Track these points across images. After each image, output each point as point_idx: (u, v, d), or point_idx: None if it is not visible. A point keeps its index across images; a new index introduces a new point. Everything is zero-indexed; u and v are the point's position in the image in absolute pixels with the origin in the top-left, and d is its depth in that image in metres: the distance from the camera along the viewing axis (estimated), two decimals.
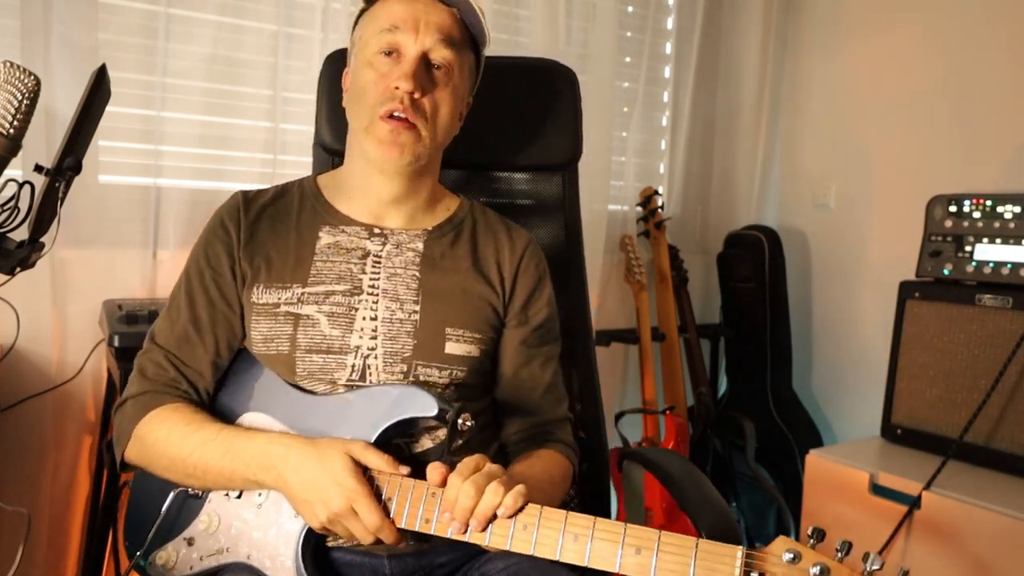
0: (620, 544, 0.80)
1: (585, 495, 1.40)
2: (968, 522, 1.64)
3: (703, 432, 2.44)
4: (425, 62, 1.02)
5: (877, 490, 1.80)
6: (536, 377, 1.13)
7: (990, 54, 2.16)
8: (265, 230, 1.07)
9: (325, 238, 1.07)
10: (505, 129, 1.39)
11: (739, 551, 0.76)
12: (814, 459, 1.95)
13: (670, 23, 2.56)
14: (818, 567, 0.74)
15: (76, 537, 1.75)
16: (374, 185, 1.07)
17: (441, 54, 1.03)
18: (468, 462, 0.88)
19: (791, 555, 0.75)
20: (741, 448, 2.37)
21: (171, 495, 1.00)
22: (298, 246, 1.07)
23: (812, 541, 0.76)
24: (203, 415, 1.01)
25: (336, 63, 1.30)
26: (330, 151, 1.33)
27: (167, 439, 0.98)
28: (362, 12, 1.09)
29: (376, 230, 1.08)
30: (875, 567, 0.73)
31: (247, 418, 1.03)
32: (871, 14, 2.46)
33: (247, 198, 1.10)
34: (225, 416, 1.04)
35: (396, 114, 1.01)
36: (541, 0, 2.15)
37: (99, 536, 1.62)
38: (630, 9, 2.45)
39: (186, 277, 1.08)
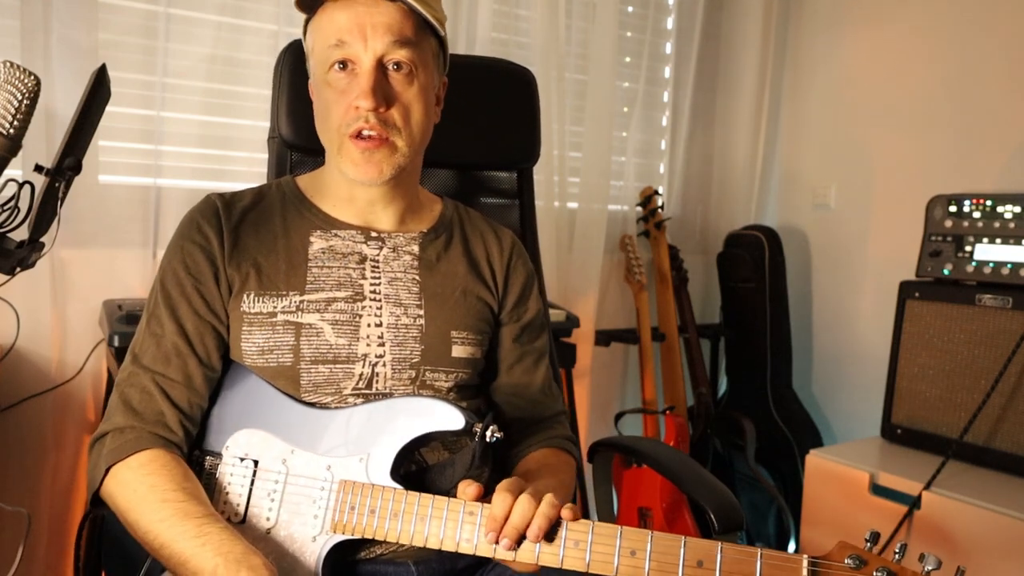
0: (680, 557, 0.78)
1: None
2: (968, 522, 1.64)
3: (703, 432, 2.44)
4: (382, 67, 0.96)
5: (877, 490, 1.80)
6: (531, 374, 1.13)
7: (990, 54, 2.16)
8: (249, 235, 1.01)
9: (317, 243, 1.03)
10: (460, 127, 1.34)
11: (804, 559, 0.76)
12: (814, 459, 1.95)
13: (670, 23, 2.56)
14: (884, 571, 0.74)
15: (76, 537, 1.75)
16: (359, 193, 1.04)
17: (397, 55, 0.96)
18: (510, 483, 0.85)
19: (855, 561, 0.75)
20: (741, 448, 2.37)
21: None
22: (288, 252, 1.01)
23: (869, 545, 0.76)
24: (191, 486, 0.90)
25: (293, 53, 1.25)
26: (289, 145, 1.28)
27: (139, 506, 0.88)
28: (307, 20, 1.01)
29: (373, 233, 1.05)
30: (930, 567, 0.73)
31: (241, 435, 0.96)
32: (871, 14, 2.46)
33: (224, 201, 1.03)
34: (217, 433, 0.98)
35: (364, 132, 0.96)
36: (541, 0, 2.15)
37: (89, 533, 1.62)
38: (630, 9, 2.45)
39: (162, 288, 0.99)
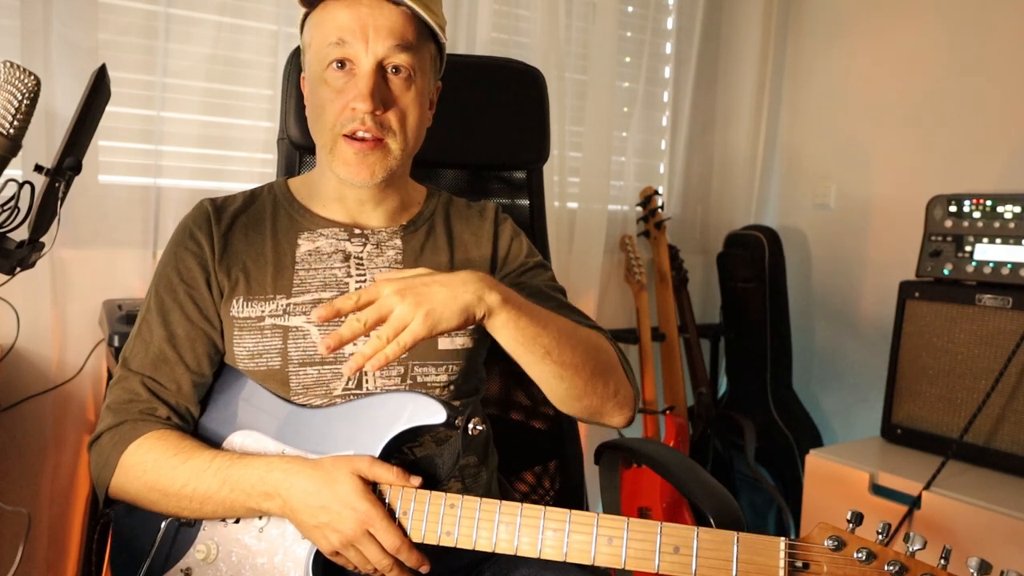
0: (657, 543, 0.78)
1: (560, 490, 1.41)
2: (968, 522, 1.64)
3: (703, 432, 2.44)
4: (381, 70, 0.96)
5: (877, 490, 1.80)
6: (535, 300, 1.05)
7: (990, 54, 2.16)
8: (239, 240, 1.02)
9: (304, 245, 1.03)
10: (471, 126, 1.36)
11: (782, 542, 0.74)
12: (814, 459, 1.95)
13: (670, 23, 2.56)
14: (863, 552, 0.72)
15: (76, 537, 1.75)
16: (348, 193, 1.04)
17: (397, 60, 0.96)
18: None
19: (834, 542, 0.73)
20: (741, 448, 2.37)
21: (163, 526, 0.93)
22: (276, 255, 1.02)
23: (851, 526, 0.75)
24: (190, 442, 0.95)
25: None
26: (298, 147, 1.29)
27: (156, 471, 0.92)
28: (306, 15, 1.01)
29: (356, 231, 1.05)
30: (916, 547, 0.71)
31: (236, 437, 0.97)
32: (871, 14, 2.46)
33: (216, 206, 1.04)
34: (212, 436, 0.99)
35: (360, 134, 0.96)
36: (541, 0, 2.15)
37: (99, 537, 1.61)
38: (630, 9, 2.45)
39: (156, 294, 1.01)
